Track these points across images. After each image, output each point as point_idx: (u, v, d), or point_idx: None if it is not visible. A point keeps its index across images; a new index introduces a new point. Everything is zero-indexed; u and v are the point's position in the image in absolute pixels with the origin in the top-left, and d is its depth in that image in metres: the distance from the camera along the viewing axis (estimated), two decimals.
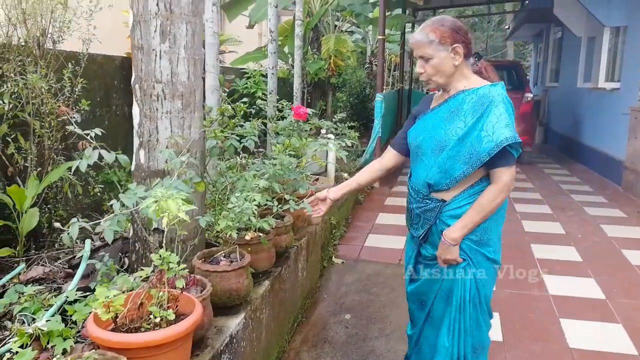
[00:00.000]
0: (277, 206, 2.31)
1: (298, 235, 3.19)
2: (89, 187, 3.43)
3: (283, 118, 5.00)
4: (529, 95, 8.95)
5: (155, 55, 2.16)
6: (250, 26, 8.71)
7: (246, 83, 7.81)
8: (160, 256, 1.57)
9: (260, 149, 5.22)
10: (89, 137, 1.95)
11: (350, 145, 3.11)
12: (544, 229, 5.30)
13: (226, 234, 2.30)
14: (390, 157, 2.32)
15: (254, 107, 4.81)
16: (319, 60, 7.89)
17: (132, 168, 2.38)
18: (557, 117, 11.76)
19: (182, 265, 1.63)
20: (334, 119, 4.73)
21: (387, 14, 7.73)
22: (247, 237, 2.50)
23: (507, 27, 19.15)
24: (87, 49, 3.40)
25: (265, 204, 2.37)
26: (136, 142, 2.32)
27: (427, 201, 2.09)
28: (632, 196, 6.70)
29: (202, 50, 2.30)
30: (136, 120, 2.29)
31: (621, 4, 7.07)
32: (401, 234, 4.85)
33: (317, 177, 3.78)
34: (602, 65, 7.89)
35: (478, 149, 1.92)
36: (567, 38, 11.06)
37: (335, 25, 8.45)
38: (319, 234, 3.81)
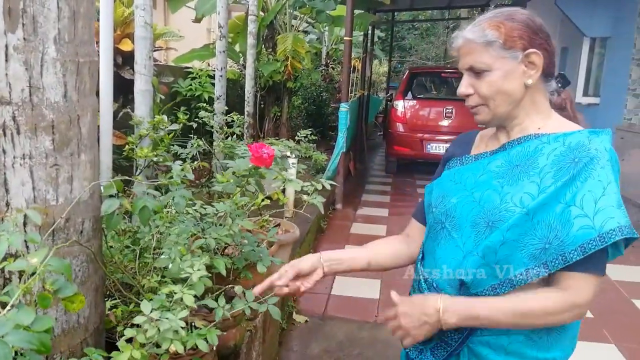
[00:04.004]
0: (221, 308, 1.40)
1: (253, 313, 2.25)
2: None
3: (233, 135, 4.04)
4: None
5: None
6: (197, 20, 7.66)
7: (190, 85, 6.77)
8: None
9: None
10: None
11: (321, 187, 2.19)
12: None
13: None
14: (418, 234, 1.39)
15: (196, 119, 3.85)
16: (274, 61, 6.94)
17: None
18: None
19: None
20: (288, 128, 3.82)
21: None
22: (178, 350, 1.55)
23: None
24: None
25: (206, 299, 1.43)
26: None
27: None
28: None
29: (94, 47, 1.32)
30: None
31: (606, 14, 6.53)
32: (373, 277, 3.99)
33: (278, 221, 2.84)
34: (579, 78, 7.34)
35: (562, 237, 1.06)
36: None
37: (292, 25, 7.52)
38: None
